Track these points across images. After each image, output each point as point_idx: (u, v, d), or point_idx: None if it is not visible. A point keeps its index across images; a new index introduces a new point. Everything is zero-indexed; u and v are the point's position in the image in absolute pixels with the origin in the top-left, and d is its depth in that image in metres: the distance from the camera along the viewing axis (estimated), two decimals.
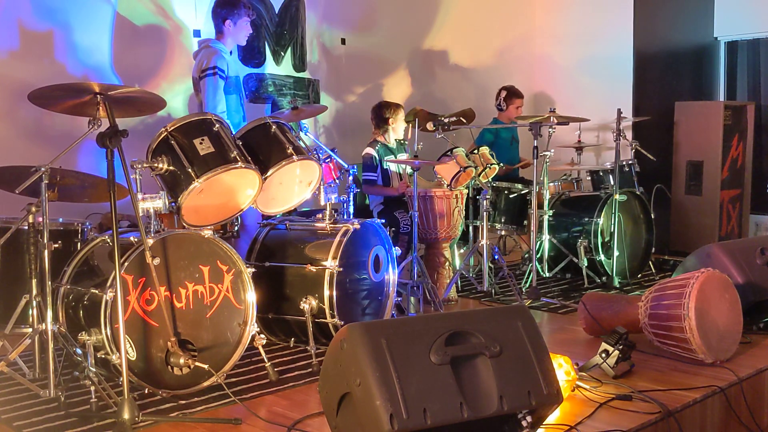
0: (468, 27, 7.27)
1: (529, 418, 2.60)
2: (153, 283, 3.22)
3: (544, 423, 2.78)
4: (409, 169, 5.25)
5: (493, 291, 5.30)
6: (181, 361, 3.27)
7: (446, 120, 5.32)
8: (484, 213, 5.19)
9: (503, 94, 6.49)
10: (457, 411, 2.46)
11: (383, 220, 4.37)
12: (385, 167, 5.38)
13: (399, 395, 2.39)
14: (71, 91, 3.23)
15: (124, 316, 3.06)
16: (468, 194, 5.33)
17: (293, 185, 4.02)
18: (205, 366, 3.35)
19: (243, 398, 3.33)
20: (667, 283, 3.86)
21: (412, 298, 4.65)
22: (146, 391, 3.27)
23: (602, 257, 5.62)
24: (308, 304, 3.84)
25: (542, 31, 7.86)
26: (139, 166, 3.38)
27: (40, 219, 3.29)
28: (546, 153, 5.52)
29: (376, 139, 5.52)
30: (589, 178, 6.26)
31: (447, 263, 5.18)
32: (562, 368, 3.23)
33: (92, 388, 3.14)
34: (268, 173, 3.76)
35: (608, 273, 5.59)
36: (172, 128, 3.53)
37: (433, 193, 4.99)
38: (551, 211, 5.68)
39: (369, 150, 5.43)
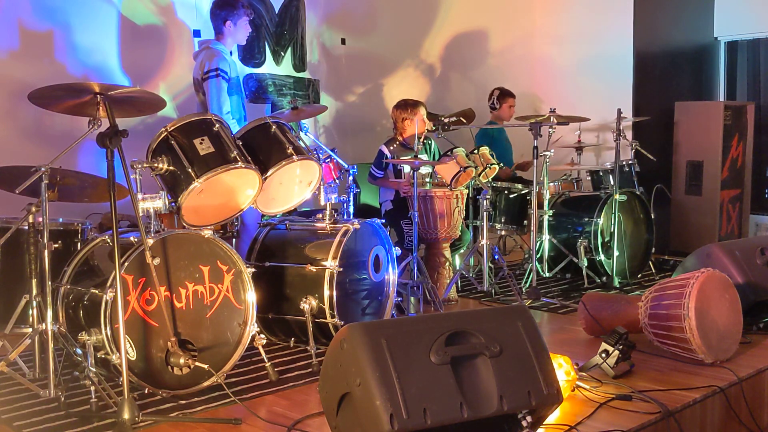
0: (468, 27, 7.27)
1: (529, 418, 2.60)
2: (153, 283, 3.22)
3: (544, 423, 2.78)
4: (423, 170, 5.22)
5: (493, 291, 5.30)
6: (181, 361, 3.27)
7: (446, 120, 5.32)
8: (484, 213, 5.19)
9: (496, 93, 6.64)
10: (457, 411, 2.46)
11: (383, 221, 4.36)
12: (398, 167, 5.38)
13: (399, 395, 2.39)
14: (71, 91, 3.23)
15: (124, 316, 3.06)
16: (468, 194, 5.33)
17: (293, 185, 4.02)
18: (205, 366, 3.35)
19: (243, 398, 3.32)
20: (667, 283, 3.86)
21: (412, 298, 4.65)
22: (146, 391, 3.27)
23: (602, 257, 5.62)
24: (308, 304, 3.84)
25: (542, 31, 7.86)
26: (139, 166, 3.37)
27: (40, 219, 3.29)
28: (546, 153, 5.52)
29: (395, 137, 5.53)
30: (589, 178, 6.26)
31: (447, 263, 5.18)
32: (562, 368, 3.23)
33: (92, 388, 3.14)
34: (268, 173, 3.76)
35: (608, 273, 5.59)
36: (172, 128, 3.53)
37: (433, 193, 4.99)
38: (551, 211, 5.68)
39: (382, 147, 5.46)
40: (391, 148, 5.45)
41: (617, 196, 5.54)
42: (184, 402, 3.30)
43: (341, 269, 3.90)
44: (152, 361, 3.29)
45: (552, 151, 5.59)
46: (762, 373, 3.65)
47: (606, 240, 5.65)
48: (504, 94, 6.63)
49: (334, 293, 3.87)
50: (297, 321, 3.97)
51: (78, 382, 3.36)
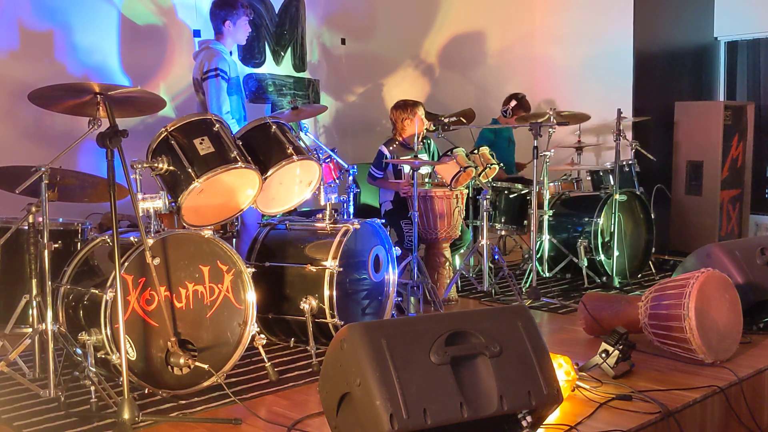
0: (468, 27, 7.27)
1: (529, 418, 2.60)
2: (153, 283, 3.22)
3: (544, 423, 2.78)
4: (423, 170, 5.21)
5: (493, 291, 5.30)
6: (181, 361, 3.27)
7: (446, 120, 5.32)
8: (484, 213, 5.19)
9: (513, 103, 6.40)
10: (457, 411, 2.46)
11: (383, 221, 4.36)
12: (399, 167, 5.38)
13: (399, 395, 2.39)
14: (71, 91, 3.23)
15: (124, 316, 3.07)
16: (468, 194, 5.33)
17: (293, 185, 4.02)
18: (205, 366, 3.35)
19: (243, 398, 3.33)
20: (667, 283, 3.86)
21: (412, 298, 4.65)
22: (146, 391, 3.27)
23: (602, 257, 5.62)
24: (308, 304, 3.84)
25: (542, 31, 7.86)
26: (139, 166, 3.38)
27: (40, 219, 3.29)
28: (546, 153, 5.52)
29: (394, 137, 5.53)
30: (589, 178, 6.26)
31: (447, 263, 5.18)
32: (562, 368, 3.23)
33: (92, 388, 3.14)
34: (268, 173, 3.76)
35: (608, 273, 5.59)
36: (172, 128, 3.53)
37: (433, 193, 4.99)
38: (551, 211, 5.68)
39: (381, 147, 5.46)
40: (391, 148, 5.44)
41: (617, 196, 5.54)
42: (184, 402, 3.30)
43: (341, 269, 3.90)
44: (152, 361, 3.29)
45: (552, 151, 5.59)
46: (762, 373, 3.65)
47: (606, 240, 5.65)
48: (520, 108, 6.38)
49: (334, 293, 3.87)
50: (297, 321, 3.97)
51: (78, 382, 3.35)
